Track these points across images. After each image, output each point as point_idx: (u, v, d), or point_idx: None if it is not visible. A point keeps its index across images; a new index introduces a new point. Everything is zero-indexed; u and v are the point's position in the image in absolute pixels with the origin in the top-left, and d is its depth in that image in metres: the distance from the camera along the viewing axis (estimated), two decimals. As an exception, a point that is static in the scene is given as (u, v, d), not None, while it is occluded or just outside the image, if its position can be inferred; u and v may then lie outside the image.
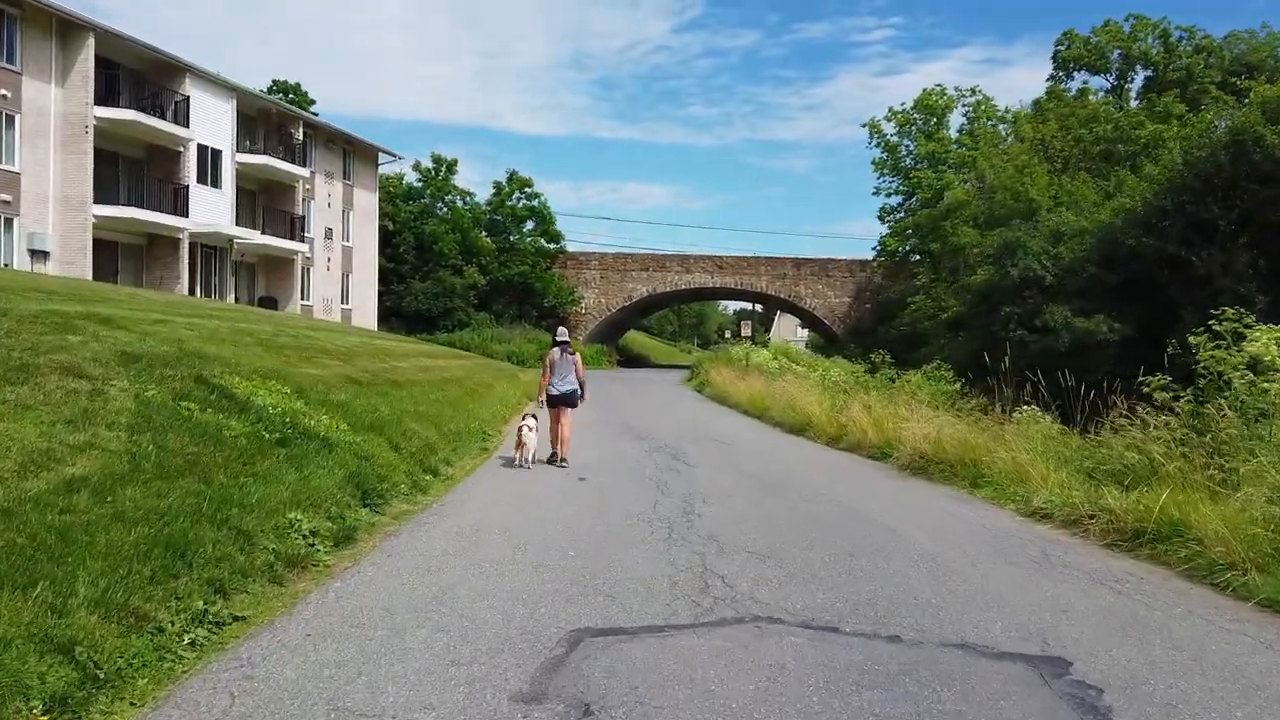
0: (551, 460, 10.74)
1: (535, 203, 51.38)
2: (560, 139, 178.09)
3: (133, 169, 29.05)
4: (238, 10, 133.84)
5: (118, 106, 26.98)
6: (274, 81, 49.88)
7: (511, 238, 50.80)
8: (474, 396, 16.80)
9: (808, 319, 57.23)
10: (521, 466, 10.29)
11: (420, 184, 50.39)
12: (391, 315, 45.55)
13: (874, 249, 51.23)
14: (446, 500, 8.20)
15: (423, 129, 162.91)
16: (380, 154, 43.29)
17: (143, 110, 27.59)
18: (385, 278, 45.51)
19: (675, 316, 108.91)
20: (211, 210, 30.58)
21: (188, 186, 29.42)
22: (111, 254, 28.61)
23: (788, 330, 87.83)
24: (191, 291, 29.72)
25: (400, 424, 10.17)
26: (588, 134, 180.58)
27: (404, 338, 33.34)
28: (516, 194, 51.31)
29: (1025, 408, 12.61)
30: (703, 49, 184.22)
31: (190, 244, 29.76)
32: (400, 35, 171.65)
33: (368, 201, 42.79)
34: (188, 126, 29.24)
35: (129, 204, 27.49)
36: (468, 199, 51.36)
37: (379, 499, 7.36)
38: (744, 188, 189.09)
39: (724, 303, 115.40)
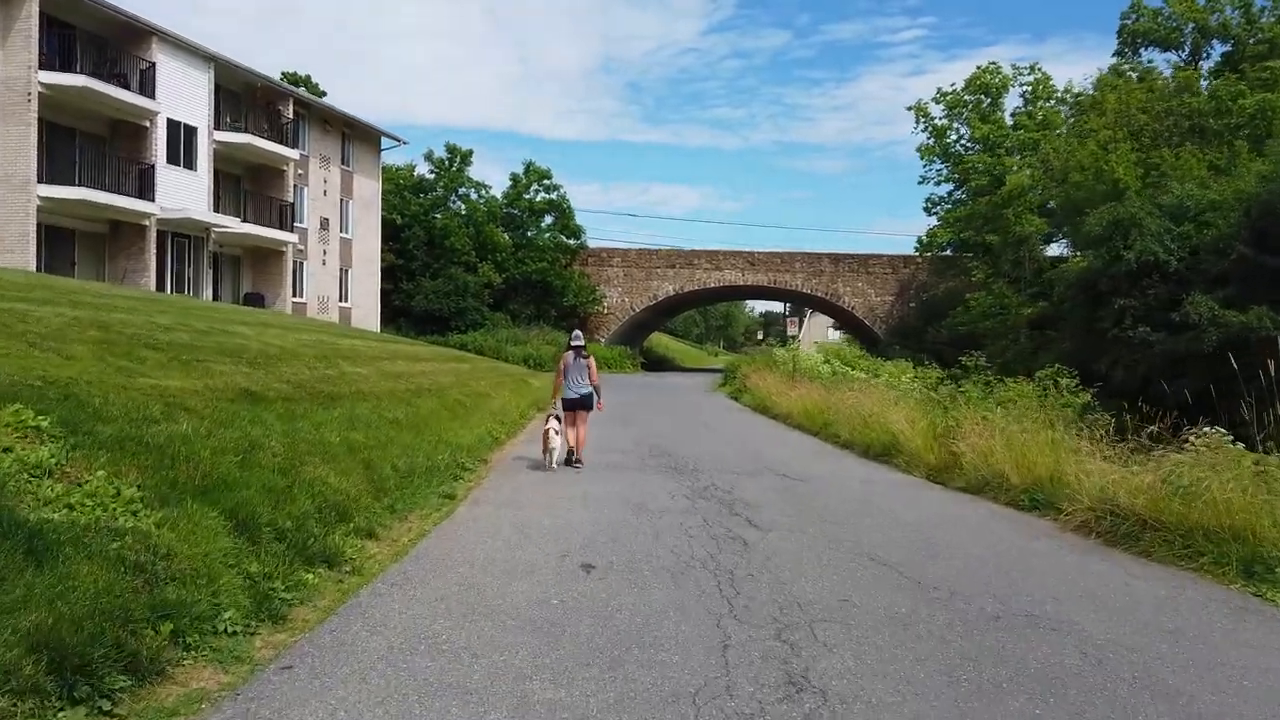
0: (568, 461, 10.70)
1: (554, 195, 47.61)
2: (589, 143, 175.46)
3: (93, 147, 25.34)
4: (263, 11, 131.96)
5: (71, 72, 23.35)
6: (283, 74, 46.39)
7: (529, 233, 47.17)
8: (457, 412, 12.78)
9: (846, 319, 52.89)
10: (548, 469, 10.30)
11: (432, 175, 46.78)
12: (400, 315, 42.05)
13: (916, 244, 46.91)
14: (310, 646, 4.08)
15: (451, 134, 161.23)
16: (383, 138, 39.61)
17: (98, 77, 23.90)
18: (393, 275, 42.00)
19: (702, 318, 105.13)
20: (183, 194, 26.86)
21: (154, 166, 25.73)
22: (67, 242, 25.00)
23: (818, 332, 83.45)
24: (160, 286, 26.05)
25: (291, 471, 6.10)
26: (615, 137, 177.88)
27: (390, 337, 29.46)
28: (535, 186, 47.54)
29: (1206, 431, 8.44)
30: (730, 50, 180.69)
31: (160, 232, 26.09)
32: (429, 40, 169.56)
33: (369, 190, 39.06)
34: (154, 98, 25.56)
35: (85, 185, 23.77)
36: (483, 192, 47.66)
37: (130, 673, 3.32)
38: (771, 189, 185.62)
39: (750, 303, 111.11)
